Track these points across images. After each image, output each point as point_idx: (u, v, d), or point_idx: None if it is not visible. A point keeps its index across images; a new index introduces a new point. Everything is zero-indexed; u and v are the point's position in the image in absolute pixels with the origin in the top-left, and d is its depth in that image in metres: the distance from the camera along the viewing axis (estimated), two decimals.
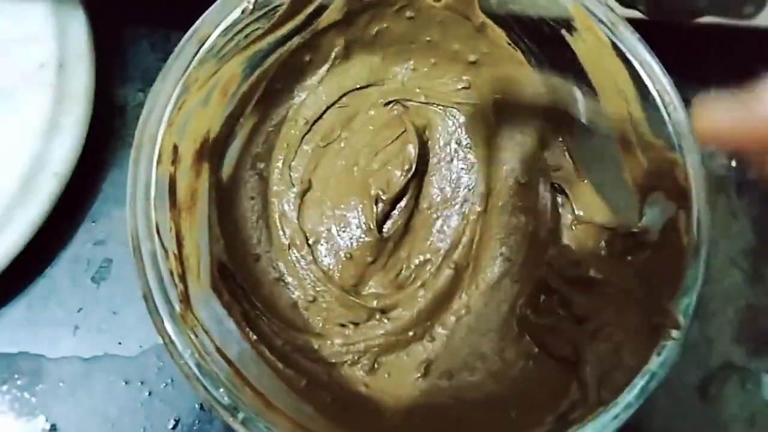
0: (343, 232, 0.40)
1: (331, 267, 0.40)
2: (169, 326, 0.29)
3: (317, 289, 0.39)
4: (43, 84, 0.41)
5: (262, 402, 0.31)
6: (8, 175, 0.40)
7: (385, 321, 0.39)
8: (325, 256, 0.40)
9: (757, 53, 0.47)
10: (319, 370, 0.37)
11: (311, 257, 0.39)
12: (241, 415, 0.28)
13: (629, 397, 0.29)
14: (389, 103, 0.41)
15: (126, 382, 0.41)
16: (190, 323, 0.30)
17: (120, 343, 0.42)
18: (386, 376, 0.38)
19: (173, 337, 0.29)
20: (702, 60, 0.47)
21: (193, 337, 0.29)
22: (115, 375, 0.41)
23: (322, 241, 0.40)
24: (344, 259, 0.40)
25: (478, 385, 0.37)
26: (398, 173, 0.40)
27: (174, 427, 0.40)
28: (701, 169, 0.32)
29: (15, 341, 0.41)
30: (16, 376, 0.41)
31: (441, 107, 0.41)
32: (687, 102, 0.47)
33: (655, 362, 0.30)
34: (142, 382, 0.41)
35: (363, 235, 0.39)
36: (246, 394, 0.30)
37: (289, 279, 0.39)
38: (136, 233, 0.30)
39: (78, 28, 0.43)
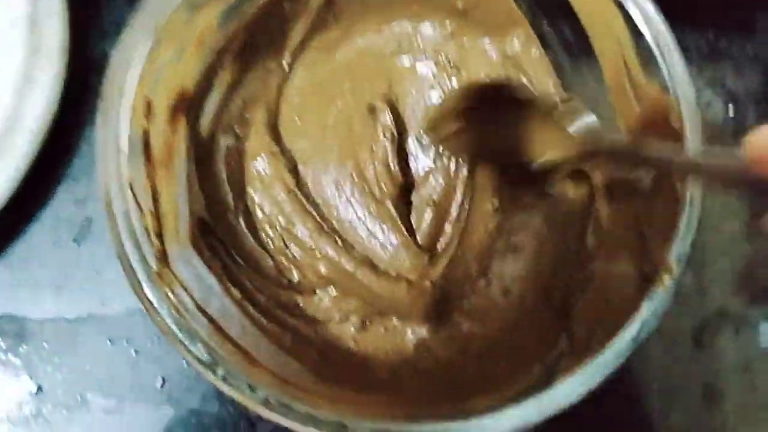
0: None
1: None
2: (145, 284, 0.28)
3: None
4: (16, 41, 0.40)
5: (245, 358, 0.30)
6: None
7: None
8: None
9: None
10: (304, 326, 0.36)
11: None
12: (221, 372, 0.27)
13: (619, 345, 0.29)
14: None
15: (111, 342, 0.41)
16: (167, 280, 0.29)
17: (103, 304, 0.41)
18: (382, 330, 0.37)
19: (149, 295, 0.28)
20: (697, 5, 0.46)
21: (170, 294, 0.29)
22: (101, 335, 0.41)
23: None
24: None
25: (468, 336, 0.36)
26: (389, 154, 0.39)
27: (162, 385, 0.40)
28: (696, 112, 0.31)
29: None
30: None
31: (408, 58, 0.40)
32: (683, 49, 0.46)
33: (645, 310, 0.29)
34: (127, 341, 0.40)
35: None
36: (227, 350, 0.29)
37: None
38: (108, 191, 0.29)
39: None
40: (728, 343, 0.42)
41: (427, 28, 0.40)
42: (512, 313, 0.37)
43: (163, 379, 0.40)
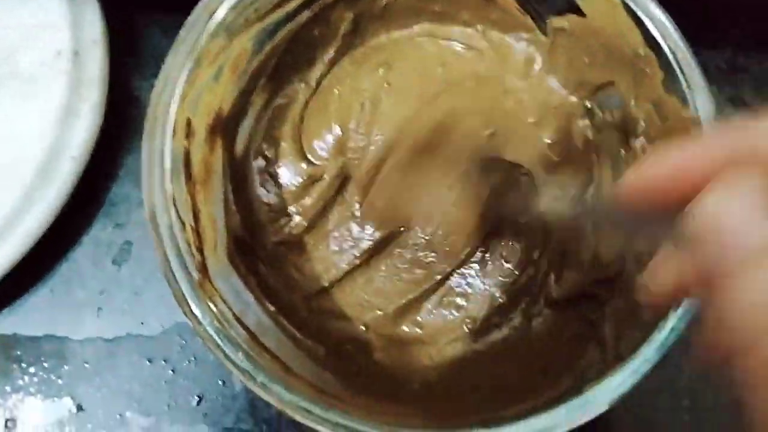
0: None
1: None
2: (188, 294, 0.29)
3: None
4: (60, 71, 0.42)
5: (281, 368, 0.31)
6: (27, 160, 0.40)
7: None
8: None
9: None
10: (344, 335, 0.37)
11: None
12: (260, 379, 0.28)
13: (647, 351, 0.29)
14: None
15: (149, 361, 0.42)
16: (209, 292, 0.30)
17: (142, 323, 0.42)
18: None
19: (192, 305, 0.29)
20: (715, 23, 0.47)
21: (211, 305, 0.30)
22: (139, 354, 0.42)
23: None
24: None
25: (502, 347, 0.37)
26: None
27: (198, 404, 0.41)
28: (715, 126, 0.31)
29: (40, 324, 0.42)
30: (42, 358, 0.42)
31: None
32: (702, 66, 0.47)
33: (673, 317, 0.29)
34: (165, 361, 0.41)
35: None
36: (265, 360, 0.30)
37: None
38: (153, 206, 0.30)
39: (92, 15, 0.44)
40: None
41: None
42: (546, 326, 0.37)
43: (199, 398, 0.41)
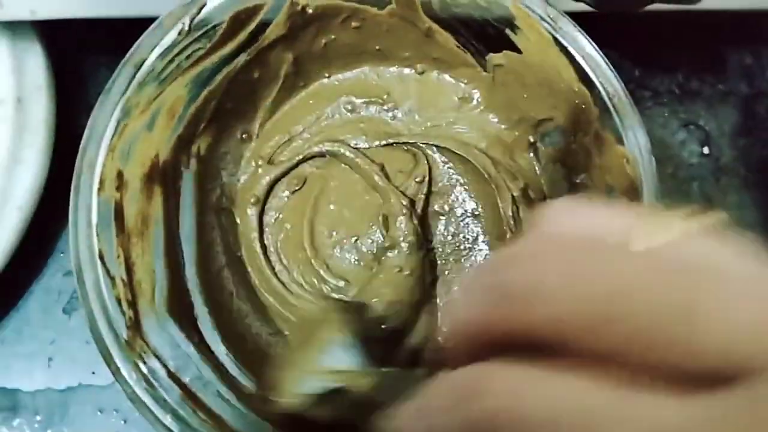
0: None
1: None
2: (115, 353, 0.29)
3: None
4: (2, 119, 0.42)
5: (217, 426, 0.30)
6: None
7: None
8: None
9: (719, 36, 0.46)
10: None
11: None
12: None
13: None
14: None
15: (101, 412, 0.41)
16: (139, 349, 0.30)
17: (93, 373, 0.42)
18: None
19: (119, 365, 0.29)
20: (666, 48, 0.46)
21: (140, 363, 0.29)
22: (91, 405, 0.41)
23: None
24: None
25: None
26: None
27: None
28: (651, 161, 0.31)
29: None
30: None
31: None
32: (654, 92, 0.46)
33: None
34: (116, 411, 0.41)
35: None
36: (198, 418, 0.29)
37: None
38: (79, 262, 0.30)
39: (35, 61, 0.43)
40: None
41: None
42: None
43: None
